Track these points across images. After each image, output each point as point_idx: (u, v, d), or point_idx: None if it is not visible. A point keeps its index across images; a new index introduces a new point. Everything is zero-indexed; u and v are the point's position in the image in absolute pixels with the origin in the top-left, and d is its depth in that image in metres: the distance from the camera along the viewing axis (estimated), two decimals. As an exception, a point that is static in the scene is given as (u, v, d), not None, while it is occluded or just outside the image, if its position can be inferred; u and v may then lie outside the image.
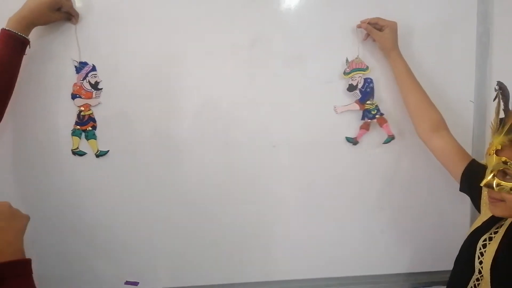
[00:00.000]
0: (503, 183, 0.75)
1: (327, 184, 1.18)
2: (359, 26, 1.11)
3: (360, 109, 1.16)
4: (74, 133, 1.09)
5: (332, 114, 1.15)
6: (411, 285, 1.27)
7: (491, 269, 0.81)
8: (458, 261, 0.94)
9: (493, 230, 0.86)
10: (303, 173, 1.18)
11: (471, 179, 0.95)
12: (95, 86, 1.08)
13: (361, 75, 1.14)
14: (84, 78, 1.07)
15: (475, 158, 0.99)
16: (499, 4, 1.15)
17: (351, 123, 1.16)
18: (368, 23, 1.09)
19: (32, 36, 0.99)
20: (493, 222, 0.87)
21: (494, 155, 0.77)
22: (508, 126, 0.75)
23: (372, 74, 1.15)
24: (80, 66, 1.07)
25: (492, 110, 0.82)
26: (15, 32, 0.93)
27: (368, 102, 1.16)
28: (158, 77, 1.09)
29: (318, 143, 1.16)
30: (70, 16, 1.03)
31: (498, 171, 0.76)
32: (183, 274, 1.19)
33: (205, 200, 1.16)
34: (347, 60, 1.13)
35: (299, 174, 1.18)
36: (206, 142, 1.13)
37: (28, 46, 0.98)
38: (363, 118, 1.16)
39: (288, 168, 1.17)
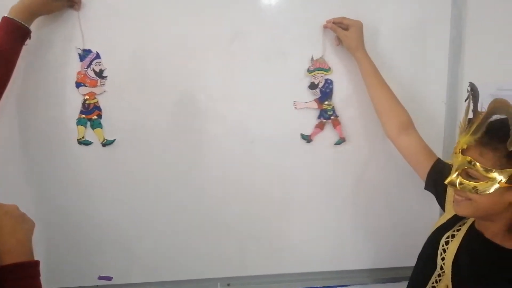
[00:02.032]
0: (465, 182, 0.77)
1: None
2: (325, 26, 1.11)
3: (318, 108, 1.16)
4: (80, 122, 1.06)
5: (291, 110, 1.15)
6: (374, 280, 1.29)
7: (452, 265, 0.83)
8: (421, 257, 0.95)
9: (456, 227, 0.88)
10: (274, 169, 1.17)
11: (437, 177, 0.96)
12: (99, 74, 1.05)
13: (322, 75, 1.15)
14: (88, 66, 1.04)
15: (446, 158, 1.01)
16: (472, 8, 1.18)
17: (307, 121, 1.16)
18: (333, 22, 1.09)
19: (34, 24, 0.97)
20: (456, 220, 0.89)
21: (460, 154, 0.78)
22: (475, 126, 0.76)
23: (334, 76, 1.15)
24: (84, 54, 1.03)
25: (464, 111, 0.83)
26: (17, 21, 0.91)
27: (326, 102, 1.16)
28: (148, 70, 1.07)
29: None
30: (72, 3, 1.00)
31: (463, 170, 0.78)
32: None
33: (179, 195, 1.14)
34: (312, 58, 1.13)
35: (273, 170, 1.17)
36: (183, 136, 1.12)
37: (29, 37, 0.96)
38: (319, 117, 1.17)
39: (264, 164, 1.16)
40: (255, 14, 1.10)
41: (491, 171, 0.73)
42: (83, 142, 1.07)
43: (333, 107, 1.16)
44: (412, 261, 0.98)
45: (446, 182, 0.80)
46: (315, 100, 1.15)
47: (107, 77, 1.05)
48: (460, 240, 0.84)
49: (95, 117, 1.06)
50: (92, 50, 1.04)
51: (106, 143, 1.07)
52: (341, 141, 1.18)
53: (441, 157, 1.04)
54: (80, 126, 1.06)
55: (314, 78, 1.14)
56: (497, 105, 0.73)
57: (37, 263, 0.74)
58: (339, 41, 1.11)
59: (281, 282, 1.25)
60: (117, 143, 1.08)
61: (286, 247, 1.22)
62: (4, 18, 0.91)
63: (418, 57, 1.19)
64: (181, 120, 1.11)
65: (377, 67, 1.09)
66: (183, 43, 1.07)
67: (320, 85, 1.15)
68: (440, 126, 1.22)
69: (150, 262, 1.17)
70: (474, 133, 0.76)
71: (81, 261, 1.14)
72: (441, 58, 1.20)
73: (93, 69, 1.04)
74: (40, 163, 1.07)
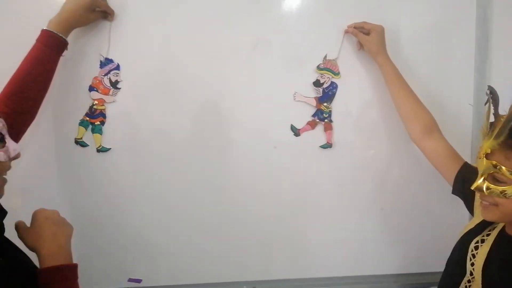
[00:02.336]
0: (492, 186, 0.75)
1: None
2: (346, 31, 1.12)
3: (315, 107, 1.16)
4: (82, 123, 1.08)
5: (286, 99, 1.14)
6: (401, 286, 1.27)
7: (482, 271, 0.81)
8: (450, 262, 0.94)
9: (485, 232, 0.86)
10: (296, 174, 1.18)
11: (464, 182, 0.94)
12: (114, 84, 1.08)
13: (330, 76, 1.15)
14: (106, 74, 1.07)
15: (474, 161, 0.99)
16: (497, 8, 1.16)
17: (302, 116, 1.16)
18: (354, 27, 1.09)
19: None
20: (485, 224, 0.87)
21: (484, 158, 0.77)
22: (498, 130, 0.75)
23: (340, 81, 1.15)
24: (105, 62, 1.07)
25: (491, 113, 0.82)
26: (55, 33, 0.94)
27: (325, 104, 1.16)
28: (166, 79, 1.10)
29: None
30: (106, 14, 1.05)
31: (489, 174, 0.76)
32: (178, 272, 1.19)
33: (204, 200, 1.16)
34: (325, 57, 1.13)
35: (295, 175, 1.18)
36: (207, 143, 1.13)
37: (66, 48, 0.99)
38: (313, 116, 1.16)
39: (286, 168, 1.17)
40: (276, 21, 1.12)
41: (517, 174, 0.71)
42: (80, 143, 1.09)
43: (330, 111, 1.16)
44: (440, 267, 0.97)
45: (472, 187, 0.79)
46: (315, 97, 1.15)
47: (121, 89, 1.08)
48: (490, 245, 0.82)
49: (98, 122, 1.09)
50: (114, 60, 1.07)
51: (101, 150, 1.10)
52: (327, 146, 1.17)
53: (469, 161, 1.02)
54: (81, 127, 1.08)
55: (321, 77, 1.14)
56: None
57: (75, 266, 0.77)
58: (361, 45, 1.11)
59: (305, 287, 1.24)
60: (111, 152, 1.10)
61: (310, 251, 1.22)
62: (43, 31, 0.94)
63: (443, 58, 1.18)
64: (201, 127, 1.13)
65: (399, 71, 1.08)
66: (204, 51, 1.09)
67: (325, 85, 1.15)
68: (468, 128, 1.20)
69: (177, 265, 1.19)
70: (497, 136, 0.75)
71: (111, 264, 1.16)
72: (466, 59, 1.18)
73: (110, 78, 1.08)
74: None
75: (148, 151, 1.12)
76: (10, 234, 0.78)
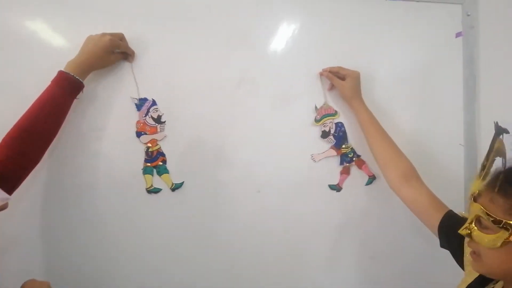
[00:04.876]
0: (476, 233, 0.67)
1: (313, 230, 1.12)
2: (321, 74, 1.10)
3: (337, 154, 1.12)
4: (146, 171, 1.04)
5: (311, 161, 1.11)
6: None
7: None
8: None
9: None
10: (286, 219, 1.11)
11: (449, 233, 0.84)
12: (158, 120, 1.05)
13: (331, 120, 1.12)
14: (146, 114, 1.05)
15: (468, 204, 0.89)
16: (484, 47, 1.14)
17: (331, 169, 1.12)
18: (330, 71, 1.08)
19: (90, 79, 0.98)
20: (480, 285, 0.75)
21: (472, 201, 0.69)
22: (486, 170, 0.69)
23: (342, 118, 1.12)
24: (140, 103, 1.04)
25: (483, 151, 0.76)
26: (71, 75, 0.92)
27: (343, 146, 1.12)
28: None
29: (302, 189, 1.11)
30: (126, 55, 1.02)
31: (476, 219, 0.68)
32: None
33: None
34: (316, 107, 1.11)
35: (283, 220, 1.11)
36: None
37: (81, 90, 0.96)
38: (341, 163, 1.12)
39: (273, 212, 1.11)
40: (260, 61, 1.09)
41: (500, 221, 0.63)
42: (152, 191, 1.05)
43: (352, 149, 1.12)
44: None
45: (459, 231, 0.70)
46: (331, 147, 1.12)
47: (165, 122, 1.05)
48: None
49: (160, 163, 1.05)
50: (148, 98, 1.04)
51: (175, 187, 1.05)
52: (371, 180, 1.13)
53: (461, 206, 0.94)
54: (147, 175, 1.04)
55: (324, 126, 1.12)
56: (499, 145, 0.65)
57: None
58: (332, 87, 1.10)
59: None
60: (185, 186, 1.05)
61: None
62: (60, 72, 0.92)
63: (432, 99, 1.15)
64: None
65: (375, 117, 1.05)
66: (192, 88, 1.07)
67: (332, 130, 1.12)
68: (460, 169, 1.14)
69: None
70: (484, 177, 0.68)
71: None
72: (455, 99, 1.15)
73: (151, 116, 1.04)
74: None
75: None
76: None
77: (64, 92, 0.92)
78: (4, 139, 0.85)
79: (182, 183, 1.05)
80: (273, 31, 1.09)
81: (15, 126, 0.87)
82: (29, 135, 0.87)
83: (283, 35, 1.10)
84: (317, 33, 1.11)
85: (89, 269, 1.02)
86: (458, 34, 1.16)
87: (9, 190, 0.81)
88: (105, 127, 1.02)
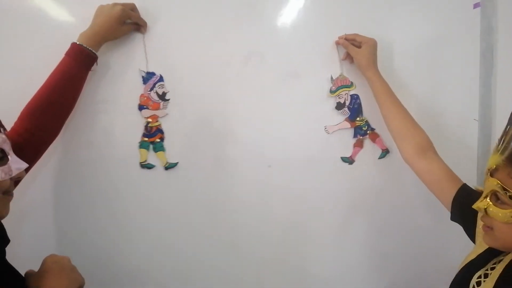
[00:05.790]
0: (492, 208, 0.68)
1: (327, 205, 1.14)
2: (337, 42, 1.07)
3: (351, 127, 1.12)
4: (142, 145, 1.04)
5: (324, 133, 1.11)
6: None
7: (486, 311, 0.72)
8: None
9: (489, 265, 0.76)
10: (298, 194, 1.13)
11: (463, 206, 0.84)
12: (162, 96, 1.04)
13: (347, 91, 1.10)
14: (152, 89, 1.03)
15: (480, 181, 0.90)
16: (502, 19, 1.10)
17: (344, 142, 1.12)
18: (346, 38, 1.05)
19: (101, 51, 0.96)
20: (490, 256, 0.77)
21: (489, 175, 0.70)
22: (504, 144, 0.67)
23: (358, 90, 1.10)
24: (148, 77, 1.02)
25: (498, 128, 0.75)
26: (85, 47, 0.91)
27: (358, 119, 1.12)
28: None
29: (313, 162, 1.11)
30: (138, 26, 1.01)
31: (492, 194, 0.69)
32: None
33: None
34: (331, 78, 1.10)
35: (295, 195, 1.13)
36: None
37: (96, 62, 0.96)
38: (355, 136, 1.12)
39: (284, 188, 1.12)
40: (269, 34, 1.07)
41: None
42: (146, 166, 1.05)
43: (366, 121, 1.12)
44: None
45: (473, 206, 0.71)
46: (346, 119, 1.11)
47: (170, 100, 1.04)
48: (494, 281, 0.72)
49: (158, 140, 1.04)
50: (156, 73, 1.02)
51: (169, 166, 1.05)
52: (384, 153, 1.13)
53: (474, 182, 0.94)
54: (142, 149, 1.04)
55: (339, 98, 1.10)
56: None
57: None
58: (347, 56, 1.08)
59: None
60: (179, 166, 1.06)
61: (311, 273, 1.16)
62: (73, 44, 0.91)
63: (447, 72, 1.12)
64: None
65: (390, 87, 1.03)
66: (200, 64, 1.05)
67: (347, 102, 1.10)
68: (473, 144, 1.13)
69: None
70: (502, 151, 0.68)
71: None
72: (471, 72, 1.12)
73: (156, 92, 1.03)
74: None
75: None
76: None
77: (79, 64, 0.92)
78: (22, 112, 0.86)
79: (176, 163, 1.06)
80: (283, 1, 1.06)
81: (32, 98, 0.88)
82: (47, 108, 0.88)
83: (294, 5, 1.07)
84: (330, 2, 1.07)
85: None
86: (476, 5, 1.11)
87: (29, 162, 0.79)
88: (108, 96, 1.02)
